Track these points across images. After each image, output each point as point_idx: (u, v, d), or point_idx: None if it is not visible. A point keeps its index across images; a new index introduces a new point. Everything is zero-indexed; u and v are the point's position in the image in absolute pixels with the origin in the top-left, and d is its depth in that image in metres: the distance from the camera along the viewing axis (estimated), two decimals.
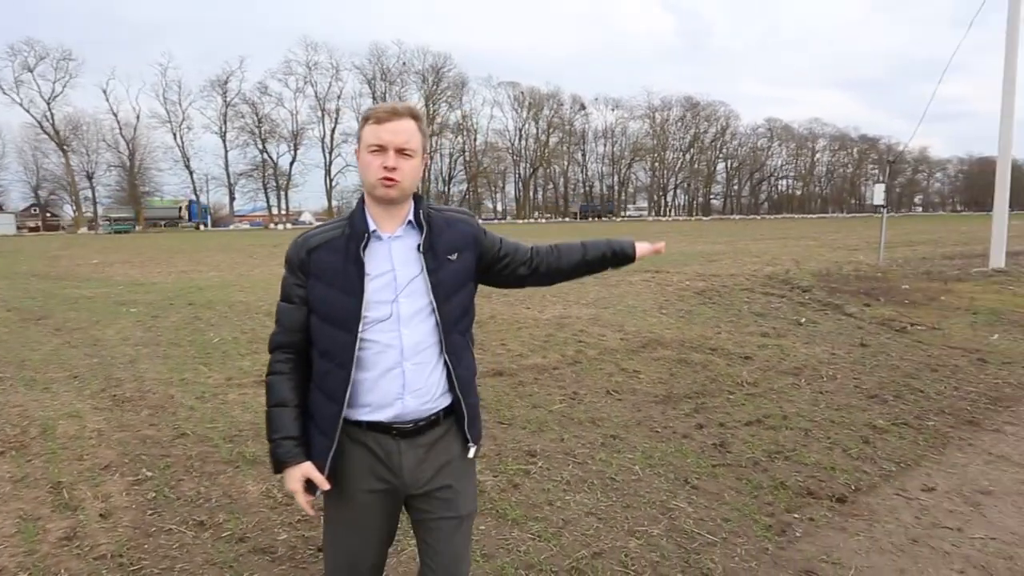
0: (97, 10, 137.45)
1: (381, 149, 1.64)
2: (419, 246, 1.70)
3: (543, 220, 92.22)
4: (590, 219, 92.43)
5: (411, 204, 1.74)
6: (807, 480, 3.63)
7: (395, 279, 1.67)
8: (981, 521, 3.19)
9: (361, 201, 1.74)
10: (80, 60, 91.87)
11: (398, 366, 1.67)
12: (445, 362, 1.72)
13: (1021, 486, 3.58)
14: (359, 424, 1.70)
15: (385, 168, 1.63)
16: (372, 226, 1.69)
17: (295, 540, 3.03)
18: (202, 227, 74.31)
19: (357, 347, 1.65)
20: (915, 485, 3.59)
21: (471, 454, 1.81)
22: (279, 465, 1.72)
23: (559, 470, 3.79)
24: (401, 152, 1.65)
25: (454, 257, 1.73)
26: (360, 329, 1.64)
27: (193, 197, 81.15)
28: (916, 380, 5.67)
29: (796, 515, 3.25)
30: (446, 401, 1.75)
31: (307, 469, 1.70)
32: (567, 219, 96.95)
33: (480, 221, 1.88)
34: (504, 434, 4.37)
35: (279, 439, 1.72)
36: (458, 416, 1.77)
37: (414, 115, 1.71)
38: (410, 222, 1.72)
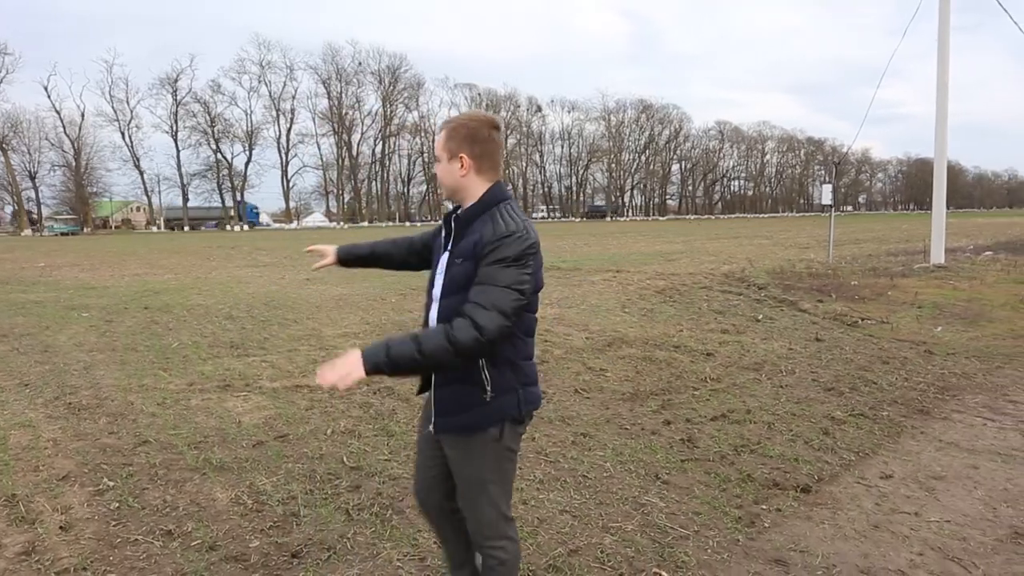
0: (32, 3, 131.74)
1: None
2: (451, 244, 2.05)
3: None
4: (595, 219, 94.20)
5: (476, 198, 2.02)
6: (773, 472, 3.75)
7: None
8: (936, 505, 3.34)
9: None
10: (17, 54, 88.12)
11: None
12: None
13: (970, 471, 3.76)
14: None
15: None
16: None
17: (267, 547, 2.98)
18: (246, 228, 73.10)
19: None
20: (874, 473, 3.75)
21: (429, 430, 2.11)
22: None
23: (531, 469, 3.81)
24: (436, 161, 2.06)
25: (460, 261, 1.97)
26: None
27: (239, 198, 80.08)
28: (869, 372, 5.89)
29: (764, 506, 3.35)
30: None
31: None
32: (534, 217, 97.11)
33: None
34: None
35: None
36: None
37: (442, 127, 2.05)
38: (449, 221, 2.08)
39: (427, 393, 2.08)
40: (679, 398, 5.16)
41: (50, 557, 2.88)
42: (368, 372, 1.82)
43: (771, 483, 3.61)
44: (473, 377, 1.95)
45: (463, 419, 2.00)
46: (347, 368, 1.82)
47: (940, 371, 5.96)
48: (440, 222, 2.14)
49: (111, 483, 3.64)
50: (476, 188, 2.01)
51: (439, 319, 1.96)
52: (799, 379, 5.71)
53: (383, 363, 1.81)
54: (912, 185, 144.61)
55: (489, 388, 1.95)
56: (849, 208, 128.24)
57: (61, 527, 3.14)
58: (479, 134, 1.99)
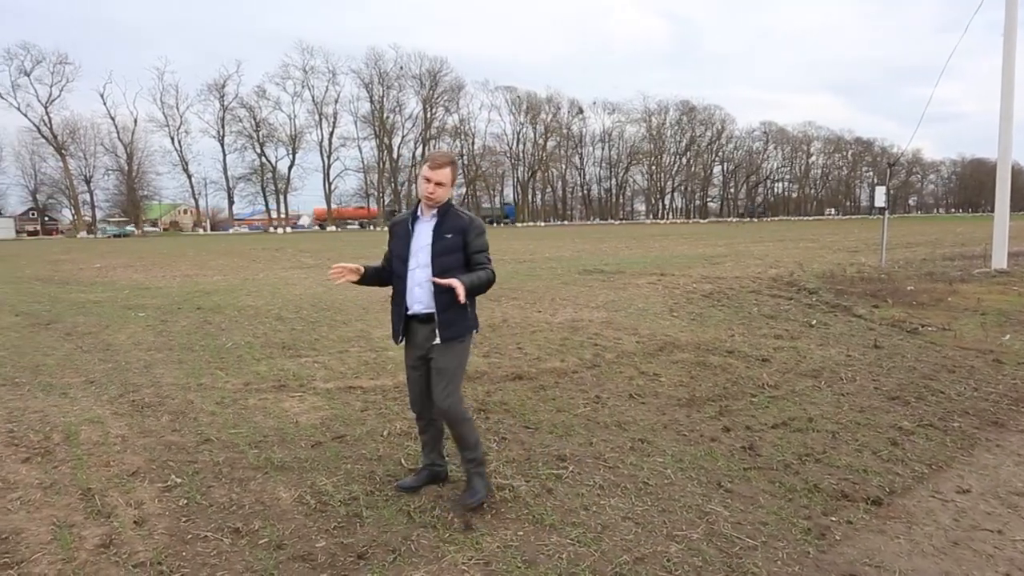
0: (92, 14, 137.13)
1: (428, 181, 3.20)
2: (434, 227, 3.25)
3: (541, 223, 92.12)
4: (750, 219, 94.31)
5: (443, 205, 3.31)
6: (840, 483, 3.63)
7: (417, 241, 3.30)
8: (1020, 523, 3.19)
9: (418, 202, 3.33)
10: (77, 64, 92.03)
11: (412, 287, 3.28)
12: (430, 287, 3.21)
13: None
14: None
15: (428, 191, 3.21)
16: (419, 214, 3.34)
17: (333, 547, 3.00)
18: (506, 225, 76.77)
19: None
20: (949, 487, 3.59)
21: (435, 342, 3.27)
22: None
23: (591, 474, 3.77)
24: (438, 184, 3.21)
25: (450, 236, 3.23)
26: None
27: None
28: (935, 381, 5.67)
29: (833, 518, 3.25)
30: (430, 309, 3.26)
31: None
32: (565, 222, 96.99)
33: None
34: (532, 439, 4.35)
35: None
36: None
37: (451, 162, 3.28)
38: (435, 214, 3.28)
39: (402, 339, 3.40)
40: (737, 404, 5.05)
41: (127, 551, 2.96)
42: (465, 290, 3.08)
43: (840, 494, 3.49)
44: (468, 305, 3.25)
45: (457, 329, 3.26)
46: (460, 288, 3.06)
47: (1012, 381, 5.70)
48: (391, 225, 3.48)
49: (178, 480, 3.73)
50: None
51: (436, 271, 3.17)
52: (860, 387, 5.52)
53: (468, 284, 3.11)
54: (966, 187, 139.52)
55: (470, 311, 3.33)
56: (897, 211, 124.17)
57: (135, 522, 3.23)
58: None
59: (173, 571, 2.80)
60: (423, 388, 3.38)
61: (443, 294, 3.16)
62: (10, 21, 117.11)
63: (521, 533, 3.12)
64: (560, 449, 4.14)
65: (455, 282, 3.06)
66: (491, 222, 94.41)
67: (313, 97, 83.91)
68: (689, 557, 2.90)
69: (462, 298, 3.05)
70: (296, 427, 4.61)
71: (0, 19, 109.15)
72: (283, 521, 3.25)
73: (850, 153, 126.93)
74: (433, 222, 3.24)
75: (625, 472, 3.80)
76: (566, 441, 4.30)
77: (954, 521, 3.22)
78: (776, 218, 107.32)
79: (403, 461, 3.98)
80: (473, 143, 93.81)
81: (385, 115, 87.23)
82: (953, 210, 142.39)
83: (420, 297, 3.23)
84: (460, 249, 3.22)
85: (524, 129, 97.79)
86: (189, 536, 3.10)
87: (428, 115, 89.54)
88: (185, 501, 3.46)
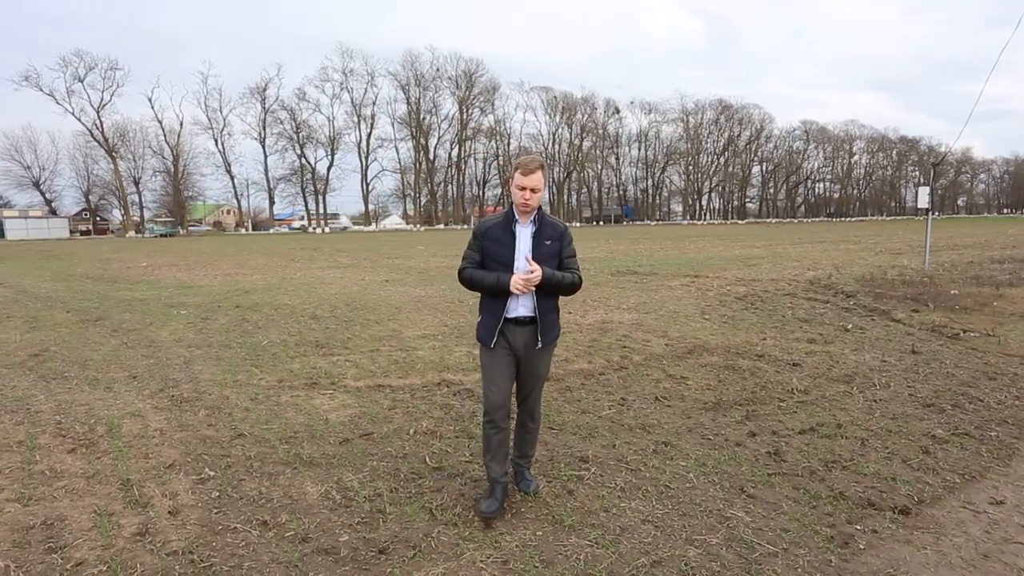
0: (140, 22, 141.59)
1: (523, 188, 3.21)
2: (533, 233, 3.28)
3: (577, 224, 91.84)
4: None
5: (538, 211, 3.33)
6: (867, 491, 3.57)
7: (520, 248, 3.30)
8: None
9: (511, 206, 3.34)
10: (126, 70, 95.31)
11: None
12: (533, 293, 3.27)
13: None
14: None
15: (524, 198, 3.22)
16: (516, 219, 3.31)
17: (356, 541, 3.09)
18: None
19: None
20: (982, 498, 3.50)
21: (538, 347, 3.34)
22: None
23: (612, 476, 3.78)
24: (533, 191, 3.21)
25: (549, 242, 3.28)
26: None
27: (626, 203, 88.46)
28: (974, 389, 5.51)
29: (858, 526, 3.20)
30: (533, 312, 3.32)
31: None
32: (600, 223, 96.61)
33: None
34: (555, 439, 4.38)
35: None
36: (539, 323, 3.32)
37: (541, 166, 3.26)
38: (533, 220, 3.30)
39: (499, 345, 3.33)
40: (764, 409, 4.99)
41: (161, 539, 3.09)
42: (542, 281, 3.18)
43: (866, 502, 3.44)
44: (558, 310, 3.43)
45: (553, 334, 3.40)
46: (535, 278, 3.16)
47: None
48: (484, 229, 3.36)
49: (212, 473, 3.87)
50: None
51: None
52: (894, 393, 5.40)
53: (549, 276, 3.19)
54: (1019, 186, 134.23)
55: (558, 316, 3.44)
56: (944, 211, 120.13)
57: (170, 512, 3.37)
58: None
59: (203, 560, 2.92)
60: (508, 393, 3.37)
61: (544, 299, 3.29)
62: (68, 27, 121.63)
63: (540, 533, 3.15)
64: (583, 451, 4.16)
65: (536, 267, 3.15)
66: (609, 220, 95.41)
67: (352, 99, 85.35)
68: (707, 562, 2.90)
69: (536, 280, 3.14)
70: (325, 424, 4.73)
71: (59, 26, 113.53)
72: (309, 515, 3.35)
73: (895, 152, 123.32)
74: (532, 228, 3.27)
75: (647, 475, 3.81)
76: (589, 443, 4.32)
77: (985, 533, 3.14)
78: (816, 219, 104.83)
79: (427, 459, 4.05)
80: (509, 144, 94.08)
81: (421, 116, 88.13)
82: (1005, 211, 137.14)
83: (524, 301, 3.27)
84: (556, 255, 3.30)
85: (560, 129, 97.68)
86: (220, 527, 3.22)
87: (464, 116, 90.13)
88: (217, 493, 3.59)
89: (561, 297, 3.41)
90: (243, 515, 3.35)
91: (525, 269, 3.20)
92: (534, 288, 3.19)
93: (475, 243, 3.34)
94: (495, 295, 3.28)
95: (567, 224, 3.36)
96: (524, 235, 3.26)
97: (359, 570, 2.86)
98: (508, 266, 3.24)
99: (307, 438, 4.45)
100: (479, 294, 3.41)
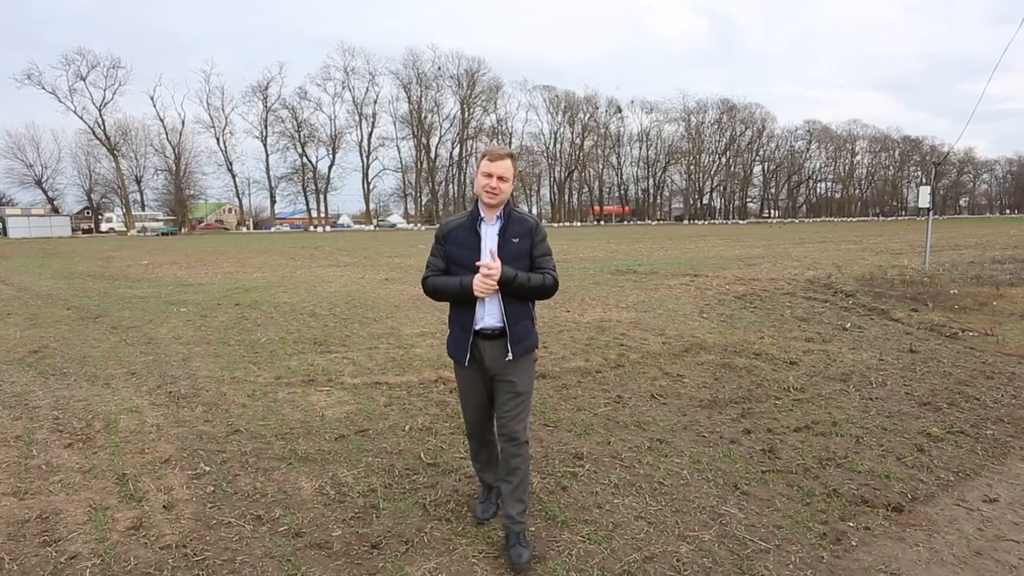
0: (143, 20, 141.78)
1: (489, 175, 2.85)
2: (499, 230, 2.90)
3: (577, 224, 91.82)
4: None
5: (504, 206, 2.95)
6: (861, 488, 3.57)
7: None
8: None
9: (476, 203, 2.96)
10: (128, 68, 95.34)
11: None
12: (500, 299, 2.88)
13: None
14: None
15: (491, 185, 2.85)
16: (481, 216, 2.93)
17: (349, 536, 3.09)
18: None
19: None
20: (976, 496, 3.50)
21: (508, 358, 2.92)
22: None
23: (606, 473, 3.79)
24: (501, 178, 2.85)
25: (517, 240, 2.90)
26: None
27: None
28: (970, 387, 5.51)
29: (851, 523, 3.20)
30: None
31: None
32: (600, 222, 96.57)
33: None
34: (550, 436, 4.39)
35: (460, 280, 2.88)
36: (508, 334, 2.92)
37: (511, 155, 2.93)
38: (499, 216, 2.92)
39: (471, 361, 2.97)
40: (760, 407, 4.99)
41: (155, 533, 3.10)
42: (503, 281, 2.79)
43: (859, 500, 3.44)
44: (532, 318, 3.03)
45: (527, 344, 2.97)
46: (495, 273, 2.77)
47: None
48: (445, 231, 3.00)
49: (207, 468, 3.88)
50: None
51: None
52: (890, 392, 5.40)
53: (511, 277, 2.80)
54: (1023, 187, 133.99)
55: (533, 324, 3.05)
56: (946, 212, 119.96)
57: (164, 506, 3.38)
58: None
59: (196, 554, 2.93)
60: (487, 412, 3.11)
61: (513, 305, 2.89)
62: (71, 26, 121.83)
63: (533, 529, 3.16)
64: (577, 448, 4.17)
65: (496, 262, 2.78)
66: (610, 220, 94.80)
67: (353, 98, 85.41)
68: (699, 558, 2.90)
69: (497, 275, 2.76)
70: (321, 420, 4.74)
71: (62, 26, 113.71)
72: (303, 510, 3.36)
73: (897, 152, 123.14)
74: (498, 225, 2.89)
75: (641, 472, 3.81)
76: (584, 440, 4.32)
77: (978, 531, 3.14)
78: (818, 219, 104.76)
79: (422, 456, 4.06)
80: (511, 143, 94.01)
81: (423, 115, 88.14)
82: (1008, 211, 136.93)
83: (491, 310, 2.89)
84: (527, 254, 2.91)
85: (562, 129, 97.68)
86: (214, 522, 3.23)
87: (466, 115, 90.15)
88: (212, 488, 3.60)
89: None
90: (237, 510, 3.36)
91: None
92: (497, 288, 2.82)
93: (438, 248, 2.97)
94: (463, 304, 2.93)
95: (538, 220, 3.00)
96: (490, 233, 2.89)
97: (351, 565, 2.87)
98: (471, 270, 2.85)
99: (303, 434, 4.46)
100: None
